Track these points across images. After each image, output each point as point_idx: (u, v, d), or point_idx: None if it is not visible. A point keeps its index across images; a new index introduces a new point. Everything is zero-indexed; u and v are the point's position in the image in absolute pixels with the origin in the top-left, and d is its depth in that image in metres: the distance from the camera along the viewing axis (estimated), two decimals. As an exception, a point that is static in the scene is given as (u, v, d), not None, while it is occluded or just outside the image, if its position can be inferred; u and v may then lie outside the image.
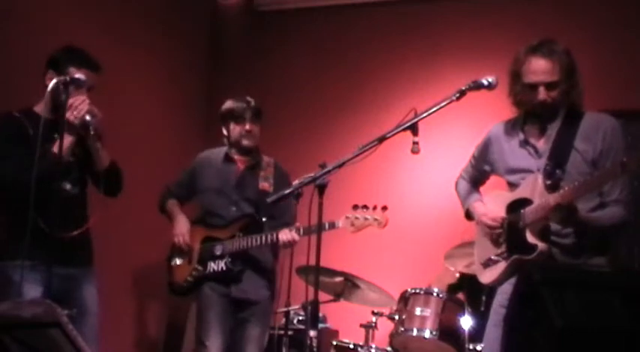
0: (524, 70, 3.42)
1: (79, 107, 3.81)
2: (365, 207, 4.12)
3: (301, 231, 4.23)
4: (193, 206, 4.76)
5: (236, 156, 4.61)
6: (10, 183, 3.51)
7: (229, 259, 4.39)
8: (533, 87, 3.39)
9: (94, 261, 4.08)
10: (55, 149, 3.74)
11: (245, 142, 4.55)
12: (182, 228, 4.53)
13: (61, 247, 3.75)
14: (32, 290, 3.53)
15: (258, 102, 4.64)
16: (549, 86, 3.37)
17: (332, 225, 4.12)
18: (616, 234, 3.48)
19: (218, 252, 4.43)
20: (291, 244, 4.26)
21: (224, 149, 4.64)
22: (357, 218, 4.13)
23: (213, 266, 4.43)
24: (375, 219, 4.11)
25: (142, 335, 5.60)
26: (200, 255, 4.49)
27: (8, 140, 3.34)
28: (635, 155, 3.03)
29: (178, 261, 4.55)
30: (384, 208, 4.10)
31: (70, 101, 3.82)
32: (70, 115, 3.79)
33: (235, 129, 4.56)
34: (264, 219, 4.45)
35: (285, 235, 4.26)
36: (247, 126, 4.52)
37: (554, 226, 3.35)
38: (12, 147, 3.33)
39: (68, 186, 3.91)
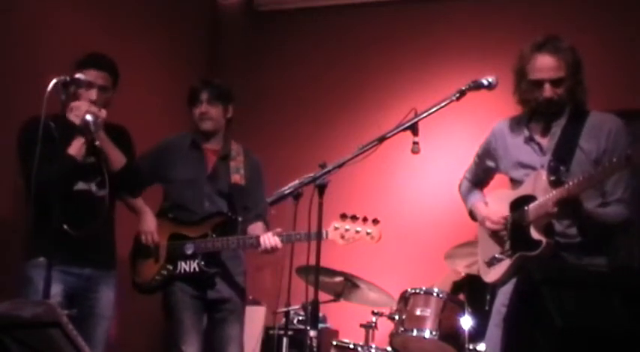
0: (530, 67, 3.42)
1: (80, 107, 3.82)
2: (354, 217, 3.96)
3: (284, 238, 4.05)
4: (151, 195, 4.51)
5: (204, 144, 4.39)
6: (31, 183, 3.51)
7: (202, 261, 4.18)
8: (539, 84, 3.40)
9: (115, 265, 4.09)
10: (71, 151, 3.78)
11: (202, 126, 4.33)
12: (150, 225, 4.24)
13: (78, 247, 3.80)
14: (52, 289, 3.48)
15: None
16: (555, 83, 3.38)
17: (319, 236, 3.89)
18: (618, 233, 3.48)
19: (189, 252, 4.19)
20: (273, 251, 4.09)
21: (188, 135, 4.43)
22: (347, 229, 3.97)
23: (184, 266, 4.20)
24: (368, 233, 3.96)
25: (138, 337, 5.59)
26: (168, 253, 4.25)
27: (33, 142, 3.35)
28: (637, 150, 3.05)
29: (143, 259, 4.29)
30: (376, 221, 3.95)
31: (73, 103, 3.85)
32: (71, 115, 3.81)
33: (193, 113, 4.37)
34: (239, 219, 4.25)
35: (267, 241, 4.07)
36: (202, 108, 4.32)
37: (559, 226, 3.35)
38: (36, 149, 3.34)
39: (94, 188, 3.95)
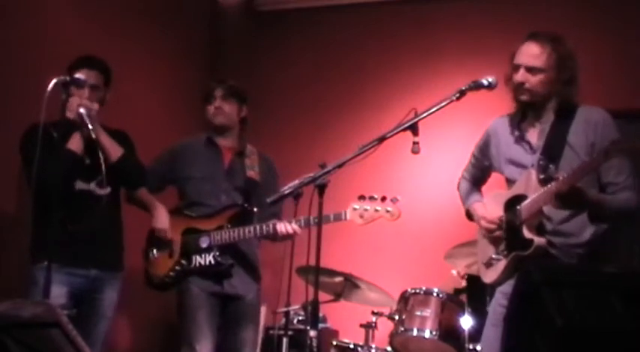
0: (516, 52, 3.46)
1: (72, 102, 3.85)
2: (372, 197, 3.93)
3: (302, 222, 4.01)
4: (167, 196, 4.55)
5: (219, 141, 4.41)
6: (34, 184, 3.52)
7: (217, 252, 4.16)
8: (517, 68, 3.42)
9: (122, 267, 4.10)
10: (70, 146, 3.82)
11: (215, 120, 4.36)
12: (164, 222, 4.25)
13: (84, 249, 3.82)
14: (56, 290, 3.52)
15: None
16: (530, 70, 3.39)
17: (338, 217, 3.93)
18: (628, 220, 3.49)
19: (204, 245, 4.17)
20: (290, 236, 4.05)
21: (203, 135, 4.45)
22: (365, 209, 3.93)
23: (199, 259, 4.18)
24: (387, 211, 3.92)
25: (139, 335, 5.58)
26: (183, 248, 4.23)
27: (34, 145, 3.36)
28: (618, 141, 3.05)
29: (157, 254, 4.28)
30: (395, 199, 3.93)
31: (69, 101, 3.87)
32: (67, 112, 3.84)
33: (207, 109, 4.40)
34: (255, 209, 4.23)
35: (283, 227, 4.05)
36: (217, 104, 4.36)
37: (550, 225, 3.35)
38: (37, 152, 3.35)
39: (93, 187, 3.95)
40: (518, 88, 3.43)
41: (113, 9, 5.27)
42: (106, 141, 3.93)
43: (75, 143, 3.86)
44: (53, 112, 3.49)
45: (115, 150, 3.95)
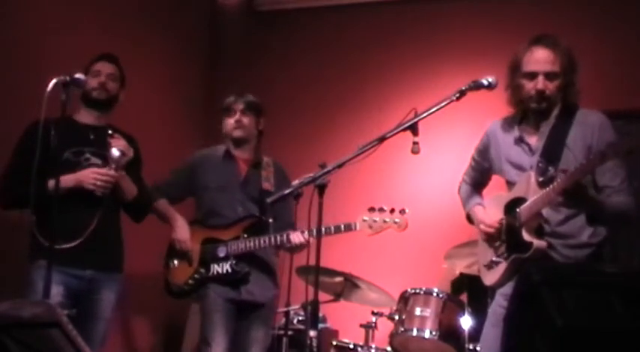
0: (525, 59, 3.42)
1: (105, 180, 3.86)
2: (382, 209, 4.09)
3: (314, 232, 3.99)
4: (185, 207, 4.65)
5: (236, 153, 4.53)
6: (33, 184, 3.50)
7: (234, 261, 4.30)
8: (533, 76, 3.39)
9: (120, 268, 4.10)
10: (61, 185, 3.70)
11: (235, 133, 4.48)
12: (184, 233, 4.41)
13: (80, 250, 3.79)
14: (53, 289, 3.45)
15: (258, 98, 4.60)
16: (549, 76, 3.38)
17: (348, 227, 4.09)
18: (624, 224, 3.49)
19: (221, 254, 4.32)
20: (303, 246, 4.16)
21: (222, 146, 4.57)
22: (375, 220, 4.10)
23: (216, 268, 4.33)
24: (395, 222, 4.09)
25: (139, 338, 5.58)
26: (201, 257, 4.38)
27: (33, 143, 3.35)
28: (614, 143, 3.06)
29: (177, 263, 4.43)
30: (403, 211, 4.08)
31: (103, 171, 3.88)
32: (91, 183, 3.84)
33: (227, 122, 4.52)
34: (270, 220, 4.35)
35: (297, 237, 4.18)
36: (237, 117, 4.48)
37: (548, 227, 3.36)
38: (29, 156, 3.35)
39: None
40: (537, 97, 3.39)
41: (113, 9, 5.27)
42: (124, 183, 3.99)
43: (66, 183, 3.74)
44: (53, 112, 3.48)
45: (131, 191, 4.03)
